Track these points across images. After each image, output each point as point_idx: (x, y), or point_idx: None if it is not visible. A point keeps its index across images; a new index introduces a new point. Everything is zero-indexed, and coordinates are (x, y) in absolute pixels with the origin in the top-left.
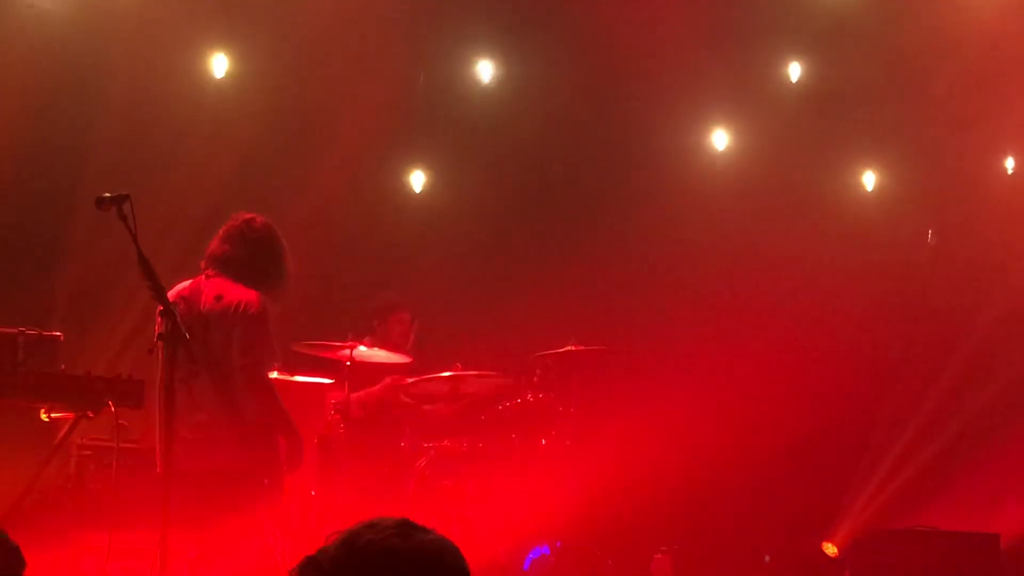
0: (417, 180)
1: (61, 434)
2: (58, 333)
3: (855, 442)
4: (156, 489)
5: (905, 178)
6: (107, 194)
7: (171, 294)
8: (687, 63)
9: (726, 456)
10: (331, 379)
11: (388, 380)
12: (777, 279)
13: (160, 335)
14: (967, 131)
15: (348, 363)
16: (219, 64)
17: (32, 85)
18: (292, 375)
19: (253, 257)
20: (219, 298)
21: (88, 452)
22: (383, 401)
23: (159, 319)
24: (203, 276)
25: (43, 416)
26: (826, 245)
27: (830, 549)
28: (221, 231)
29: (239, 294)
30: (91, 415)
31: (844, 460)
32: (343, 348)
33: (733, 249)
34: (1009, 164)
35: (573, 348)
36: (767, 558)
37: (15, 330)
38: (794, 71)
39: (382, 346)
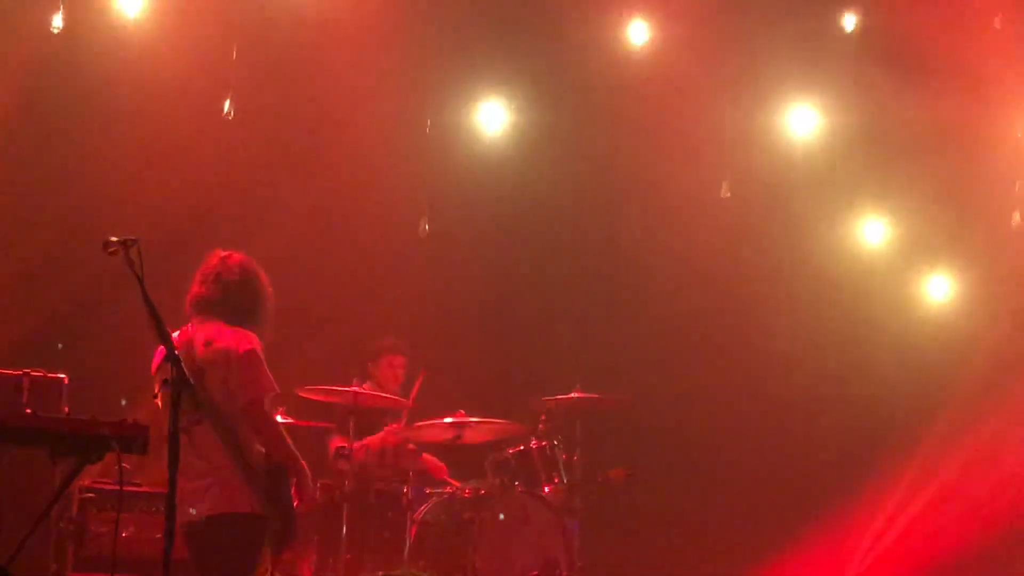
0: (423, 224)
1: (65, 477)
2: (62, 375)
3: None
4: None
5: (913, 228)
6: (114, 237)
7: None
8: (694, 111)
9: (734, 506)
10: (332, 424)
11: (389, 428)
12: (786, 326)
13: (165, 381)
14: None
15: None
16: (227, 105)
17: (49, 114)
18: (295, 420)
19: (232, 295)
20: (209, 343)
21: (91, 495)
22: (386, 448)
23: (159, 363)
24: (190, 324)
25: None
26: (832, 294)
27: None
28: (198, 273)
29: (228, 336)
30: (96, 461)
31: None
32: (345, 392)
33: (741, 296)
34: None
35: (577, 395)
36: None
37: (19, 372)
38: (801, 121)
39: (378, 390)
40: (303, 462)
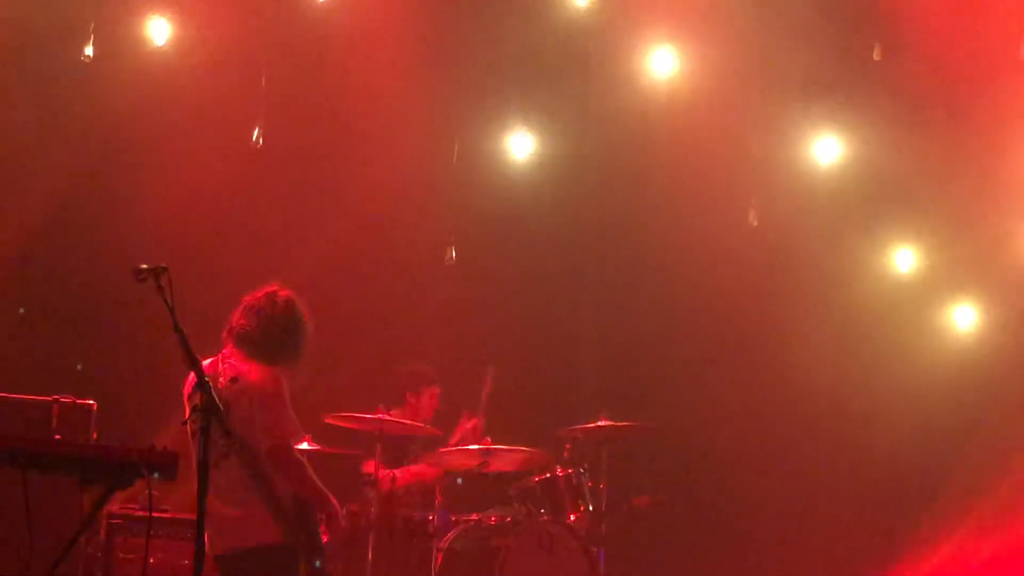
0: (449, 251)
1: (95, 503)
2: (91, 402)
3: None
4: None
5: (941, 258)
6: (144, 265)
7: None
8: (720, 140)
9: (761, 535)
10: (359, 451)
11: (427, 461)
12: (812, 353)
13: (195, 407)
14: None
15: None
16: (256, 133)
17: (78, 141)
18: (322, 447)
19: (271, 333)
20: (235, 380)
21: (118, 521)
22: (421, 482)
23: (189, 391)
24: (220, 356)
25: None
26: (860, 323)
27: None
28: (242, 304)
29: (254, 375)
30: (125, 487)
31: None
32: (371, 420)
33: (767, 324)
34: None
35: (604, 423)
36: None
37: (50, 398)
38: (825, 150)
39: (411, 418)
40: (332, 498)
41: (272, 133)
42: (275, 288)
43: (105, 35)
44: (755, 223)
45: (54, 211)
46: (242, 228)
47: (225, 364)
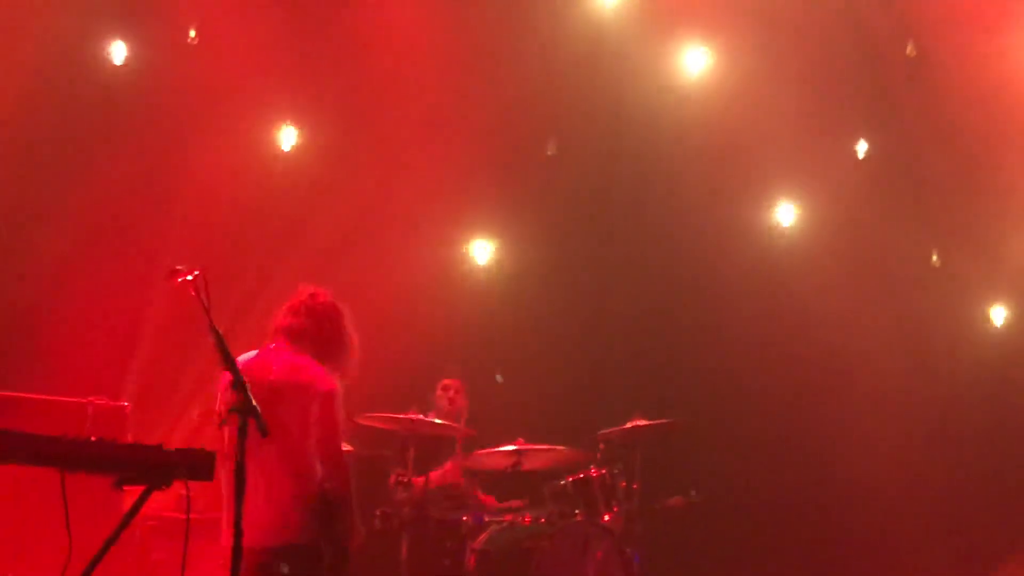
0: (482, 251)
1: (131, 505)
2: (125, 403)
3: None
4: (221, 561)
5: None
6: (180, 266)
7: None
8: (751, 137)
9: (796, 535)
10: (390, 453)
11: (452, 463)
12: (844, 352)
13: (232, 408)
14: None
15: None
16: (287, 137)
17: (103, 149)
18: (354, 448)
19: (321, 331)
20: (296, 370)
21: (153, 522)
22: (448, 483)
23: (226, 391)
24: (269, 347)
25: (116, 487)
26: (894, 320)
27: None
28: (287, 304)
29: (316, 370)
30: (164, 488)
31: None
32: (403, 420)
33: (800, 321)
34: None
35: (638, 422)
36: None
37: (85, 400)
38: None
39: (443, 419)
40: (353, 504)
41: (301, 136)
42: (316, 290)
43: (135, 38)
44: (790, 221)
45: (90, 214)
46: (265, 230)
47: (279, 357)
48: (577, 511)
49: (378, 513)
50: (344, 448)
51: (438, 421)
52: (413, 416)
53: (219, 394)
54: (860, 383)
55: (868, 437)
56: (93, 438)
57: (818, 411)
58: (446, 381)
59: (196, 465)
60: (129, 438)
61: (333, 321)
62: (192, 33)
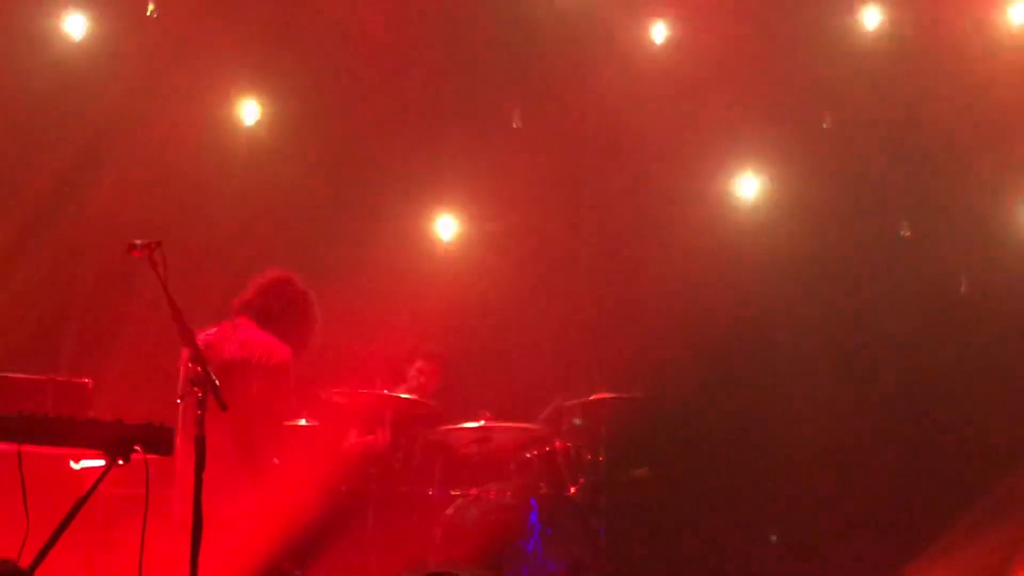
0: (446, 227)
1: (92, 482)
2: (86, 380)
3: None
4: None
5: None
6: (138, 240)
7: (198, 340)
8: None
9: (760, 506)
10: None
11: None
12: (813, 325)
13: (191, 381)
14: None
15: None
16: (249, 111)
17: (59, 125)
18: (316, 421)
19: (285, 314)
20: (243, 344)
21: (113, 500)
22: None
23: (186, 365)
24: (229, 323)
25: (72, 465)
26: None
27: None
28: (256, 283)
29: (265, 342)
30: (122, 463)
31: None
32: (370, 395)
33: (766, 295)
34: None
35: (602, 396)
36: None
37: (45, 377)
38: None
39: (411, 392)
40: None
41: (265, 110)
42: (291, 275)
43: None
44: (751, 195)
45: (50, 193)
46: (233, 206)
47: (236, 329)
48: (542, 484)
49: (344, 489)
50: (305, 422)
51: (407, 396)
52: (379, 391)
53: (180, 368)
54: (829, 358)
55: (836, 412)
56: (52, 415)
57: (786, 383)
58: (418, 364)
59: (155, 439)
60: (90, 415)
61: (299, 309)
62: (151, 7)
